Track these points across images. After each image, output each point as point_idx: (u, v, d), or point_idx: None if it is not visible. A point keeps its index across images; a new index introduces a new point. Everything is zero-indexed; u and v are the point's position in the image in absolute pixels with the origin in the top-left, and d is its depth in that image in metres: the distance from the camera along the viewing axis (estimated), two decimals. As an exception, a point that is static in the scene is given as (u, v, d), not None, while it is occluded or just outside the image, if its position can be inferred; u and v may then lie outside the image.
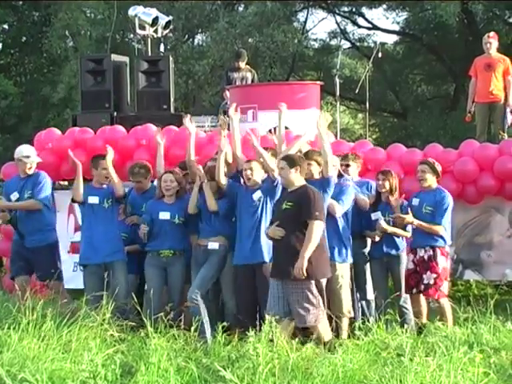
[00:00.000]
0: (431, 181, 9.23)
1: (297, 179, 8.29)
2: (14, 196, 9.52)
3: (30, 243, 9.47)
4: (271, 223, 8.40)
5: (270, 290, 8.36)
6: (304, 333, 8.34)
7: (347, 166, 9.43)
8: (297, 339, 7.72)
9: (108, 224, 9.17)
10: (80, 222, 11.14)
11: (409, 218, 8.99)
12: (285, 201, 8.26)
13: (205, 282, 8.84)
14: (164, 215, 8.97)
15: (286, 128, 10.48)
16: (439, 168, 9.33)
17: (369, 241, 9.33)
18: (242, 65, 14.33)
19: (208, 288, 8.93)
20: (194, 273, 8.95)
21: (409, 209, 9.08)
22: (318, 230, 8.08)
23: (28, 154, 9.64)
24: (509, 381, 6.77)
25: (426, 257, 9.08)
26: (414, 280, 9.13)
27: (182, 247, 9.05)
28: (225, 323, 8.17)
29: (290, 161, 8.33)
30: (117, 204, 9.25)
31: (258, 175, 8.75)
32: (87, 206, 9.21)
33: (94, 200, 9.14)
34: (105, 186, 9.29)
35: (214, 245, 8.84)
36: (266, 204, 8.70)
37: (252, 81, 13.92)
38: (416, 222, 9.00)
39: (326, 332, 8.29)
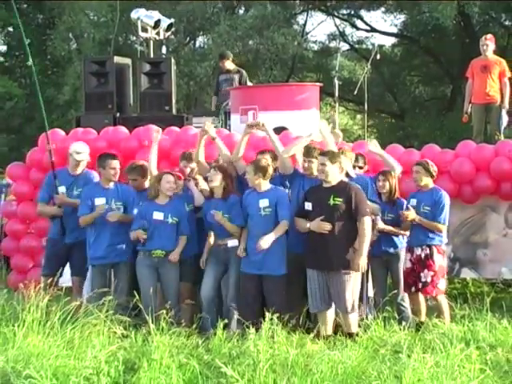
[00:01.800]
0: (426, 181, 9.25)
1: (337, 174, 8.39)
2: (62, 190, 9.53)
3: (71, 238, 9.51)
4: (304, 215, 8.48)
5: (308, 285, 8.47)
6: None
7: (360, 167, 9.48)
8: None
9: (115, 225, 9.15)
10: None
11: (411, 214, 9.01)
12: (331, 195, 8.29)
13: (238, 287, 8.84)
14: (158, 215, 8.94)
15: (286, 129, 10.49)
16: (434, 169, 9.34)
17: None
18: (229, 65, 14.32)
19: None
20: (210, 269, 8.94)
21: (410, 207, 9.09)
22: (369, 225, 8.31)
23: (80, 151, 9.66)
24: (504, 377, 6.77)
25: (422, 255, 9.09)
26: (412, 279, 9.13)
27: (174, 248, 9.01)
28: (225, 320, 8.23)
29: (331, 156, 8.40)
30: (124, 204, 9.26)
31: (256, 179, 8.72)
32: (94, 208, 9.17)
33: (100, 201, 9.12)
34: (112, 185, 9.29)
35: (234, 242, 8.84)
36: (280, 208, 8.63)
37: (240, 82, 13.87)
38: (418, 218, 9.01)
39: (354, 322, 8.36)
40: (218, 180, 8.81)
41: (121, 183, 9.44)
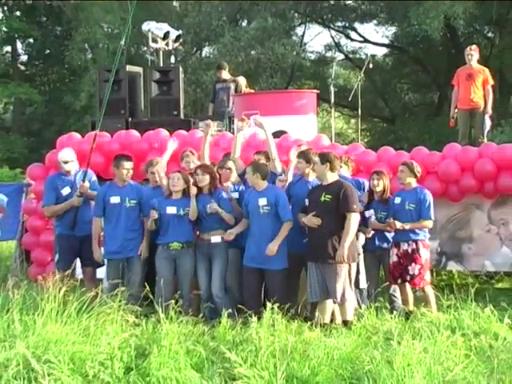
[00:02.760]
0: (410, 180, 9.25)
1: (330, 174, 8.44)
2: (66, 191, 9.52)
3: (82, 231, 9.45)
4: (305, 211, 8.51)
5: (309, 276, 8.50)
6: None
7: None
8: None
9: (129, 222, 9.14)
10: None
11: (398, 225, 9.03)
12: (323, 193, 8.37)
13: (223, 277, 8.87)
14: (171, 209, 8.93)
15: (285, 132, 10.49)
16: (418, 169, 9.35)
17: (362, 235, 9.31)
18: (225, 75, 14.29)
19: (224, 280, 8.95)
20: (200, 265, 8.95)
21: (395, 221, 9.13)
22: (355, 221, 8.35)
23: (67, 160, 9.64)
24: (487, 362, 6.76)
25: (409, 250, 9.08)
26: (399, 271, 9.13)
27: (189, 239, 9.00)
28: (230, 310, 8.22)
29: (322, 157, 8.50)
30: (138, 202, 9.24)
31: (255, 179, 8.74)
32: (110, 206, 9.17)
33: (115, 200, 9.11)
34: (126, 184, 9.28)
35: (216, 238, 8.84)
36: (278, 207, 8.62)
37: (235, 90, 13.83)
38: (407, 226, 9.04)
39: (349, 310, 8.38)
40: (206, 180, 8.85)
41: (135, 182, 9.44)
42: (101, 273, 9.97)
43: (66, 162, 9.63)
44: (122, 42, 10.27)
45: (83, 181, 9.42)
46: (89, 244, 9.39)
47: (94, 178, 9.74)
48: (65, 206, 9.51)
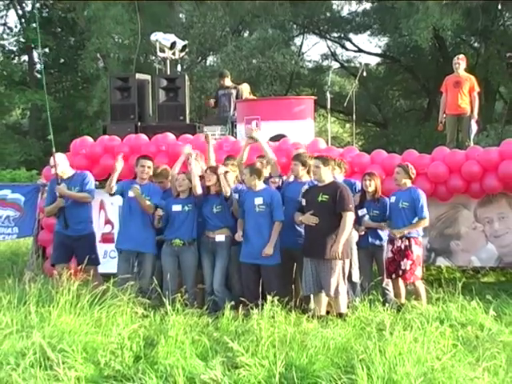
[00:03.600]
0: (405, 181, 9.27)
1: (328, 176, 8.46)
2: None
3: (74, 232, 9.43)
4: (301, 210, 8.52)
5: (304, 271, 8.50)
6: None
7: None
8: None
9: (144, 217, 9.12)
10: (109, 217, 11.17)
11: (397, 233, 9.07)
12: (319, 194, 8.38)
13: (224, 273, 8.88)
14: (176, 207, 8.98)
15: (284, 136, 10.48)
16: (413, 171, 9.36)
17: (355, 232, 9.30)
18: (227, 82, 14.26)
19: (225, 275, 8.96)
20: (205, 260, 8.96)
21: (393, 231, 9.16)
22: (350, 219, 8.36)
23: (57, 162, 9.60)
24: (474, 351, 6.76)
25: (402, 246, 9.09)
26: (393, 267, 9.14)
27: (192, 237, 8.99)
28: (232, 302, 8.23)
29: (323, 160, 8.51)
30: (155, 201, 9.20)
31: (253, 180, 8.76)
32: (127, 199, 9.16)
33: (132, 194, 9.11)
34: (146, 183, 9.24)
35: (220, 237, 8.87)
36: (272, 206, 8.66)
37: (236, 96, 13.81)
38: (406, 231, 9.07)
39: (343, 304, 8.37)
40: (213, 180, 8.86)
41: (154, 183, 9.43)
42: (112, 268, 9.97)
43: (51, 167, 9.66)
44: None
45: (58, 184, 9.41)
46: (81, 244, 9.41)
47: (88, 180, 9.58)
48: (52, 207, 9.51)
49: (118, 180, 9.88)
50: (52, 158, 9.62)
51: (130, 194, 9.06)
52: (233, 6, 30.64)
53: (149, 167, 9.25)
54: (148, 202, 8.94)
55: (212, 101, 14.63)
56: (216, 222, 8.90)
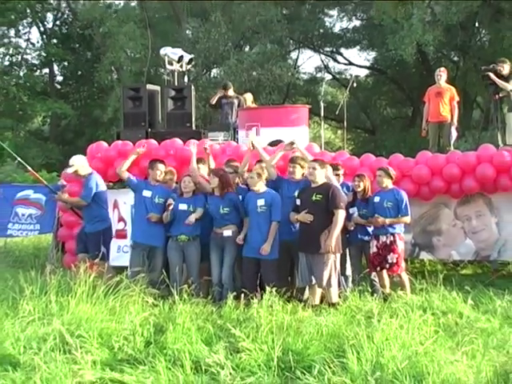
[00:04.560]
0: (387, 182, 9.28)
1: (322, 177, 8.46)
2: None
3: (87, 229, 9.54)
4: (296, 209, 8.52)
5: (300, 264, 8.52)
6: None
7: (337, 175, 9.42)
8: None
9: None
10: (122, 215, 11.15)
11: (382, 220, 9.06)
12: (313, 194, 8.39)
13: (232, 266, 8.87)
14: (182, 206, 8.99)
15: (282, 141, 10.48)
16: (393, 173, 9.40)
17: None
18: (230, 92, 14.24)
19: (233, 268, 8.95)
20: (214, 254, 8.93)
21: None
22: (342, 216, 8.36)
23: (71, 164, 9.67)
24: (453, 336, 6.78)
25: (388, 242, 9.10)
26: (378, 260, 9.14)
27: (196, 233, 8.99)
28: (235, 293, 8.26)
29: (321, 163, 8.56)
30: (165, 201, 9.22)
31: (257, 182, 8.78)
32: (141, 197, 9.20)
33: (147, 194, 9.15)
34: (158, 184, 9.28)
35: (228, 232, 8.86)
36: (272, 207, 8.67)
37: (238, 105, 13.79)
38: (388, 221, 9.07)
39: (334, 294, 8.36)
40: (215, 182, 8.88)
41: (165, 185, 9.47)
42: (125, 261, 9.97)
43: (69, 166, 9.73)
44: None
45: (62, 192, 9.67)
46: (90, 240, 9.46)
47: (86, 185, 9.57)
48: (72, 200, 9.89)
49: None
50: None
51: (146, 193, 9.16)
52: (235, 22, 30.65)
53: (161, 171, 9.31)
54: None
55: (215, 98, 14.55)
56: (222, 220, 8.89)
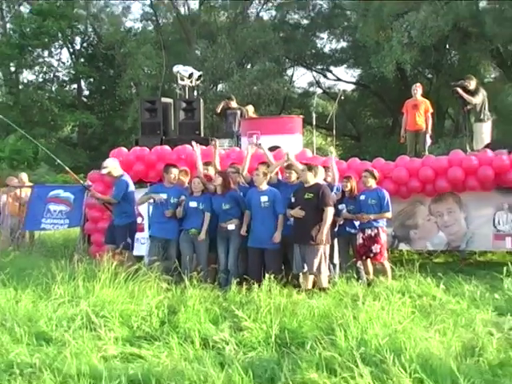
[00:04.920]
0: (371, 182, 9.29)
1: (312, 178, 8.44)
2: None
3: (115, 222, 9.50)
4: (292, 206, 8.49)
5: (294, 254, 8.50)
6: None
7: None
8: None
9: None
10: (140, 211, 11.13)
11: (367, 217, 9.08)
12: (306, 193, 8.37)
13: (236, 255, 8.83)
14: (192, 204, 8.97)
15: (279, 147, 10.47)
16: (377, 174, 9.43)
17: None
18: (234, 105, 14.22)
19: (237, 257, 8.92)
20: (221, 246, 8.91)
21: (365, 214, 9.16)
22: (331, 213, 8.35)
23: (104, 166, 9.62)
24: (428, 316, 6.76)
25: (372, 234, 9.10)
26: (363, 251, 9.14)
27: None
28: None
29: (308, 166, 8.57)
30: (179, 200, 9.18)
31: (263, 181, 8.79)
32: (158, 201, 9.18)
33: (163, 195, 9.10)
34: (172, 186, 9.24)
35: (231, 226, 8.84)
36: (274, 203, 8.66)
37: (241, 115, 13.77)
38: (372, 216, 9.07)
39: (324, 280, 8.33)
40: (219, 181, 8.92)
41: (178, 184, 9.43)
42: (142, 251, 9.97)
43: (104, 168, 9.68)
44: None
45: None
46: (118, 232, 9.41)
47: (118, 186, 9.54)
48: (106, 198, 9.76)
49: (149, 182, 9.94)
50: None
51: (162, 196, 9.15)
52: (238, 44, 30.71)
53: (175, 174, 9.29)
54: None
55: (220, 107, 14.52)
56: (226, 215, 8.87)
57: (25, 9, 35.85)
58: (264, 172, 8.83)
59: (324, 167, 9.13)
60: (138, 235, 10.82)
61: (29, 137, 13.51)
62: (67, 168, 10.97)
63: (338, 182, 9.45)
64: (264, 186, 8.78)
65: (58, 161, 11.29)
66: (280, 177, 9.29)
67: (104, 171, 9.61)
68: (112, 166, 9.62)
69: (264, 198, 8.68)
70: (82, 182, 10.78)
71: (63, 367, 5.38)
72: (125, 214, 9.47)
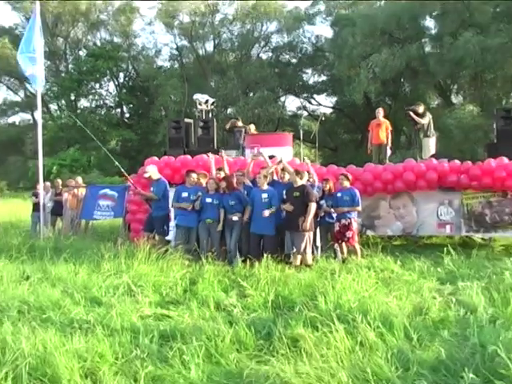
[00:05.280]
0: (346, 183, 9.26)
1: (299, 181, 8.45)
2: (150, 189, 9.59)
3: (154, 214, 9.43)
4: (284, 202, 8.47)
5: (286, 239, 8.50)
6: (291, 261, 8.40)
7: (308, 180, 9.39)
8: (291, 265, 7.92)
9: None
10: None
11: (341, 210, 9.06)
12: (294, 192, 8.37)
13: (237, 240, 8.77)
14: (208, 199, 8.91)
15: (274, 156, 10.46)
16: (350, 177, 9.40)
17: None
18: (239, 123, 14.15)
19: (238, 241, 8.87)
20: (227, 233, 8.85)
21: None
22: (314, 207, 8.33)
23: (146, 171, 9.68)
24: (388, 286, 6.77)
25: (346, 223, 9.05)
26: (339, 236, 9.09)
27: (217, 218, 8.89)
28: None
29: (296, 171, 8.60)
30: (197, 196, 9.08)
31: (264, 182, 8.76)
32: (181, 197, 9.07)
33: (184, 194, 9.03)
34: (192, 186, 9.14)
35: (235, 218, 8.78)
36: (272, 199, 8.58)
37: (245, 132, 13.66)
38: (346, 209, 9.04)
39: (309, 259, 8.32)
40: (223, 184, 8.93)
41: (197, 184, 9.31)
42: (169, 237, 9.95)
43: (145, 173, 9.71)
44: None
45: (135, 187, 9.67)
46: (156, 222, 9.35)
47: (159, 185, 9.47)
48: (148, 195, 9.58)
49: (174, 183, 9.90)
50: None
51: (184, 194, 9.08)
52: (243, 77, 30.75)
53: (194, 178, 9.25)
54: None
55: (228, 125, 14.47)
56: (231, 209, 8.81)
57: (82, 53, 36.29)
58: (264, 175, 8.80)
59: (297, 171, 9.08)
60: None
61: (99, 143, 13.27)
62: (123, 170, 10.86)
63: (319, 183, 9.44)
64: (265, 186, 8.74)
65: (117, 164, 11.09)
66: (275, 177, 9.26)
67: (146, 175, 9.63)
68: (152, 171, 9.66)
69: (264, 195, 8.63)
70: (132, 181, 10.70)
71: (110, 323, 5.40)
72: (161, 208, 9.43)
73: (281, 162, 9.29)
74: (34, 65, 11.36)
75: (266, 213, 8.42)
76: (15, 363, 4.25)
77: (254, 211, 8.72)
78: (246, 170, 9.43)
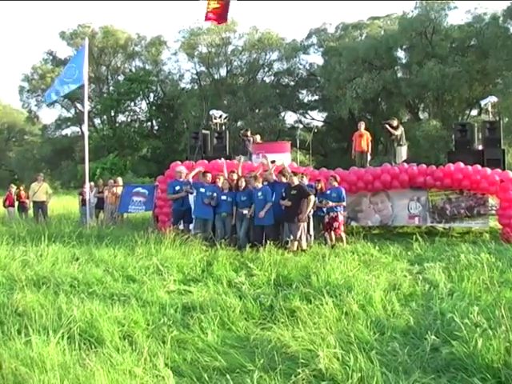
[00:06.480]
0: (335, 183, 9.25)
1: (296, 180, 8.43)
2: (177, 187, 9.48)
3: (183, 208, 9.41)
4: (283, 198, 8.39)
5: (284, 228, 8.47)
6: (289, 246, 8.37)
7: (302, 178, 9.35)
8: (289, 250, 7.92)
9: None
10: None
11: (330, 203, 9.01)
12: (292, 190, 8.32)
13: (246, 229, 8.71)
14: (223, 197, 8.89)
15: (275, 161, 10.44)
16: (338, 179, 9.37)
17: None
18: (248, 134, 14.13)
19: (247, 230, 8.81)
20: (238, 224, 8.82)
21: (329, 201, 9.07)
22: (312, 200, 8.34)
23: (178, 171, 9.70)
24: (368, 267, 6.75)
25: (334, 216, 9.04)
26: (328, 226, 9.08)
27: (231, 211, 8.87)
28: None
29: (294, 174, 8.63)
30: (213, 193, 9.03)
31: (258, 183, 8.70)
32: (199, 192, 9.05)
33: (202, 190, 9.01)
34: (208, 184, 9.09)
35: (245, 211, 8.76)
36: (267, 196, 8.52)
37: (252, 141, 13.58)
38: (334, 204, 9.00)
39: (304, 245, 8.30)
40: (240, 182, 8.90)
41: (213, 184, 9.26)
42: (190, 226, 9.93)
43: (178, 172, 9.71)
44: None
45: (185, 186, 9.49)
46: (187, 214, 9.36)
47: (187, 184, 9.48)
48: (177, 195, 9.49)
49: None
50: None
51: (202, 190, 9.04)
52: (250, 96, 30.70)
53: (209, 177, 9.23)
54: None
55: (243, 132, 14.30)
56: (242, 204, 8.78)
57: (121, 78, 36.60)
58: (255, 176, 8.72)
59: (295, 172, 9.04)
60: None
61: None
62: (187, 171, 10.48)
63: (313, 182, 9.41)
64: (259, 185, 8.66)
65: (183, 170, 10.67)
66: (275, 178, 9.21)
67: (183, 176, 9.59)
68: (185, 172, 9.70)
69: (259, 193, 8.61)
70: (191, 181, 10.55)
71: (143, 296, 5.43)
72: (186, 203, 9.45)
73: (282, 164, 9.24)
74: (60, 85, 11.47)
75: (262, 214, 8.41)
76: (69, 326, 4.34)
77: (255, 205, 8.70)
78: (255, 172, 9.36)
